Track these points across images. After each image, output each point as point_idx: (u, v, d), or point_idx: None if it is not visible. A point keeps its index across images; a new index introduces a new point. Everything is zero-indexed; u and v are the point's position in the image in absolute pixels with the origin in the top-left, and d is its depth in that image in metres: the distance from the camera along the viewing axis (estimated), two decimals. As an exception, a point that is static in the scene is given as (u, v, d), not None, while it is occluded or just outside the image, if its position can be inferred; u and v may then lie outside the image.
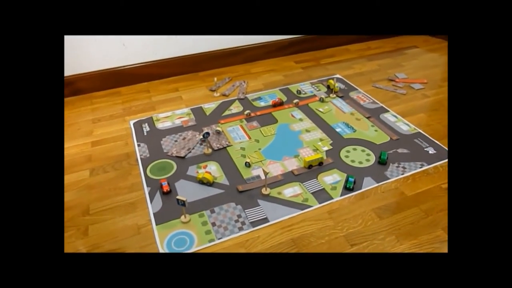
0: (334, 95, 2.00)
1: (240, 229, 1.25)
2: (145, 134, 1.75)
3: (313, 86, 2.12)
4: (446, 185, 1.41)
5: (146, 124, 1.82)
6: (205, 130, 1.74)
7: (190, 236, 1.23)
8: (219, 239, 1.22)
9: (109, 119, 1.89)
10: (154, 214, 1.31)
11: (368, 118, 1.81)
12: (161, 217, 1.30)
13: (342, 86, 2.11)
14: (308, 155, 1.57)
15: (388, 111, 1.87)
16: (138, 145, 1.67)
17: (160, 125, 1.81)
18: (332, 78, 2.16)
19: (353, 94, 2.03)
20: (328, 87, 2.08)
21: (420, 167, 1.49)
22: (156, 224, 1.27)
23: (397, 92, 2.03)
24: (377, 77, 2.20)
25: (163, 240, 1.21)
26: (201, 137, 1.55)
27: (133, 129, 1.78)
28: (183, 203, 1.23)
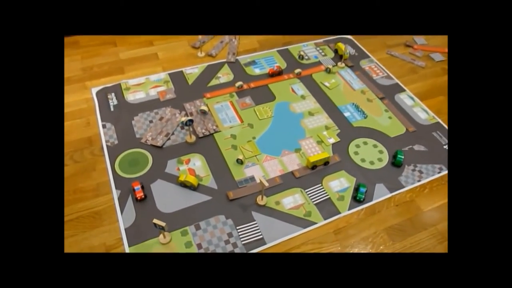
0: (343, 64, 1.68)
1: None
2: (112, 109, 1.41)
3: (318, 48, 1.77)
4: (467, 198, 1.23)
5: (113, 94, 1.47)
6: (188, 109, 1.42)
7: (171, 263, 1.02)
8: (206, 267, 1.02)
9: (65, 83, 1.51)
10: (125, 230, 1.08)
11: (381, 99, 1.54)
12: (135, 235, 1.06)
13: (352, 51, 1.77)
14: (312, 149, 1.32)
15: (405, 90, 1.59)
16: (103, 126, 1.35)
17: (130, 97, 1.46)
18: (340, 40, 1.81)
19: (364, 64, 1.71)
20: (336, 51, 1.74)
21: (438, 172, 1.29)
22: (129, 245, 1.05)
23: (414, 63, 1.73)
24: (393, 40, 1.86)
25: (138, 268, 1.00)
26: (182, 123, 1.24)
27: (96, 102, 1.44)
28: (162, 228, 0.99)
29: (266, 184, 1.07)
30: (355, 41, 1.83)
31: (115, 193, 1.16)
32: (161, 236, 1.06)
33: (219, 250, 1.05)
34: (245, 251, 1.05)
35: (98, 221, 1.09)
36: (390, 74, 1.66)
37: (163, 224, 0.99)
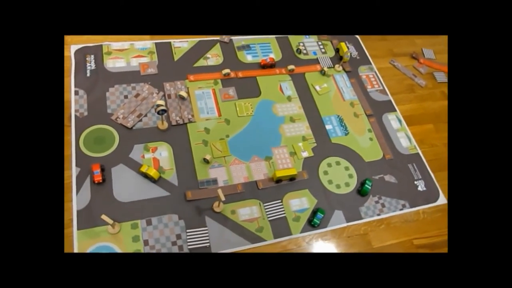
0: (340, 68, 1.58)
1: (176, 256, 1.08)
2: (88, 74, 1.34)
3: (320, 43, 1.66)
4: (418, 242, 1.24)
5: (93, 57, 1.38)
6: (167, 90, 1.35)
7: (115, 255, 1.05)
8: (148, 266, 1.05)
9: (46, 31, 1.41)
10: (78, 212, 1.09)
11: (368, 116, 1.48)
12: (86, 219, 1.07)
13: (355, 53, 1.66)
14: (283, 160, 1.30)
15: (395, 110, 1.53)
16: (76, 93, 1.29)
17: (110, 63, 1.38)
18: (346, 39, 1.69)
19: (363, 71, 1.61)
20: (338, 51, 1.63)
21: (401, 209, 1.29)
22: (78, 229, 1.06)
23: (415, 80, 1.64)
24: (401, 49, 1.74)
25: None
26: (157, 106, 1.19)
27: (73, 62, 1.36)
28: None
29: (223, 198, 1.06)
30: (361, 42, 1.71)
31: (74, 171, 1.15)
32: (109, 226, 1.07)
33: (164, 251, 1.07)
34: (189, 256, 1.08)
35: (52, 198, 1.10)
36: (386, 89, 1.58)
37: (110, 221, 1.00)
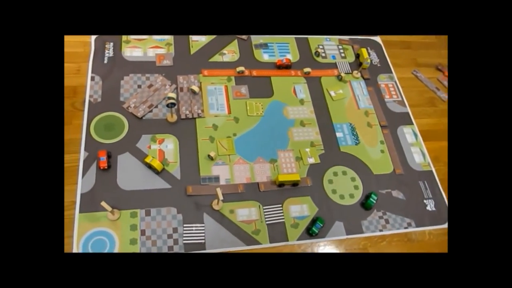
0: (359, 74, 1.53)
1: (170, 249, 1.09)
2: (106, 61, 1.37)
3: (340, 47, 1.61)
4: (420, 262, 1.20)
5: (111, 45, 1.41)
6: (180, 83, 1.35)
7: (112, 241, 1.07)
8: (142, 256, 1.07)
9: (70, 15, 1.45)
10: (81, 195, 1.12)
11: (382, 127, 1.43)
12: (88, 203, 1.10)
13: (376, 60, 1.61)
14: (288, 164, 1.28)
15: (412, 124, 1.47)
16: (92, 79, 1.32)
17: (127, 52, 1.40)
18: (368, 44, 1.64)
19: (382, 79, 1.56)
20: (358, 56, 1.58)
21: (406, 228, 1.25)
22: (80, 212, 1.09)
23: (437, 94, 1.57)
24: (425, 59, 1.67)
25: (81, 237, 1.06)
26: (168, 98, 1.19)
27: (92, 48, 1.38)
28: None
29: (221, 197, 1.06)
30: (384, 49, 1.65)
31: (82, 155, 1.18)
32: (109, 213, 1.09)
33: (159, 242, 1.09)
34: (183, 251, 1.09)
35: (58, 180, 1.13)
36: (405, 100, 1.52)
37: (109, 209, 1.02)
